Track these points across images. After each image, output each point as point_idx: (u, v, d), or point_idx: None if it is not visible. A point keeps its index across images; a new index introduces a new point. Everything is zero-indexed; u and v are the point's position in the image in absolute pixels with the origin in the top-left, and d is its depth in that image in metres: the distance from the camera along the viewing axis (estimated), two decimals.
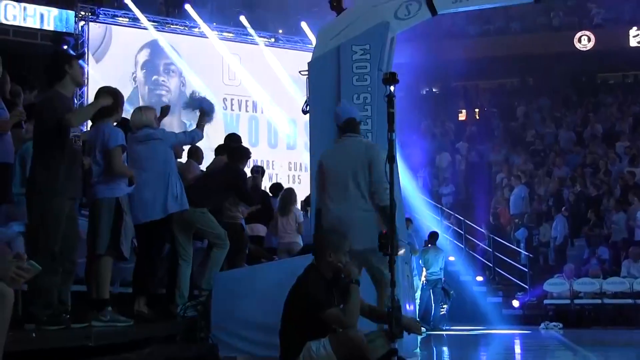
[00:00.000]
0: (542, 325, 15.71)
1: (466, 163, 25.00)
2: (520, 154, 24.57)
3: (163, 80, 17.68)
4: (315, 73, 8.86)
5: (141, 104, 15.77)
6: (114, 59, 17.34)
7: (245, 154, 9.29)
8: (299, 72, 9.26)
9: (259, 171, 9.83)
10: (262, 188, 12.42)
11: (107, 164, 7.05)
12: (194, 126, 8.48)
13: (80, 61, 15.54)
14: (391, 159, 6.32)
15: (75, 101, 10.01)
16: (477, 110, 29.66)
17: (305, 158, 9.48)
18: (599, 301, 16.93)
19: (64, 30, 17.63)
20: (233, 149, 9.36)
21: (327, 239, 6.28)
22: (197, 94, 8.73)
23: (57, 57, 7.02)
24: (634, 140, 23.72)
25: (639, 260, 17.31)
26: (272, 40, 19.38)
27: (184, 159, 9.82)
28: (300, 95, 9.37)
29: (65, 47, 16.87)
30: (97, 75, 16.62)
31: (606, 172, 21.83)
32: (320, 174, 7.04)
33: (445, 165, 24.77)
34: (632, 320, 16.62)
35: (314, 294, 6.04)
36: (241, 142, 9.99)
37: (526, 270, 18.49)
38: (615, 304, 16.93)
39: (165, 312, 8.25)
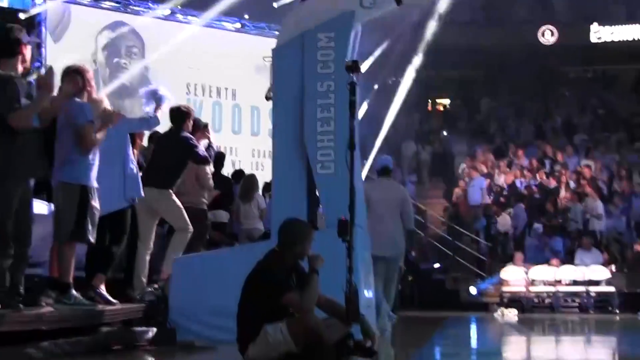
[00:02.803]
0: (498, 311, 15.83)
1: (430, 153, 25.08)
2: (482, 146, 24.72)
3: (125, 63, 17.40)
4: (279, 60, 8.78)
5: (102, 87, 15.53)
6: (74, 39, 16.85)
7: (185, 113, 8.96)
8: (263, 58, 9.20)
9: (206, 125, 9.53)
10: (225, 174, 12.35)
11: (79, 142, 6.87)
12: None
13: (37, 40, 15.21)
14: (352, 146, 6.30)
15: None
16: (441, 100, 29.80)
17: (268, 145, 9.43)
18: (553, 289, 17.13)
19: (20, 7, 17.03)
20: (171, 114, 8.97)
21: (299, 229, 6.26)
22: (152, 89, 8.60)
23: (9, 35, 6.40)
24: (591, 134, 23.98)
25: (592, 249, 17.54)
26: (238, 25, 19.19)
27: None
28: (264, 82, 9.28)
29: (19, 25, 16.28)
30: (56, 55, 16.19)
31: (564, 165, 22.03)
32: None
33: (410, 154, 24.83)
34: (583, 306, 16.90)
35: (274, 278, 6.01)
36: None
37: (484, 258, 18.63)
38: (569, 291, 17.17)
39: (123, 296, 8.16)
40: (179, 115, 8.90)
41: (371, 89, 23.45)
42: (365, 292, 8.38)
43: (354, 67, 6.35)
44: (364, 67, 23.04)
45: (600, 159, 21.83)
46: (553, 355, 8.02)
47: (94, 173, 7.00)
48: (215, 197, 10.48)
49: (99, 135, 7.03)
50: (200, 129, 9.32)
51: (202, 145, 9.18)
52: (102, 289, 7.60)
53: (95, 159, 7.03)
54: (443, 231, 20.67)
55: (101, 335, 7.05)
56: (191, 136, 8.97)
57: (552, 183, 20.82)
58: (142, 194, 8.00)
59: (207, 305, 8.01)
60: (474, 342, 10.02)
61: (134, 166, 7.90)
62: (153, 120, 8.27)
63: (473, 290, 18.17)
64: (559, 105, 26.55)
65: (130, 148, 7.98)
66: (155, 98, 8.36)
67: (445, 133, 26.24)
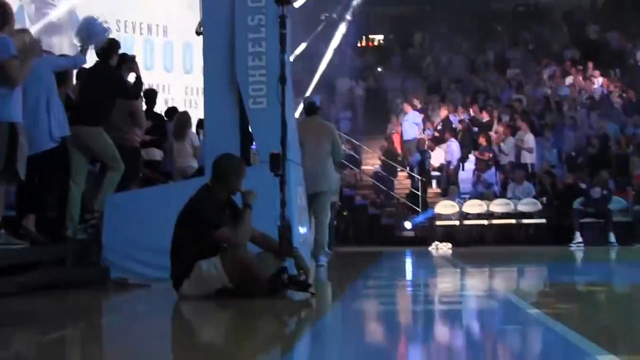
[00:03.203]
0: (432, 245, 16.08)
1: (364, 89, 25.10)
2: (416, 81, 24.82)
3: None
4: None
5: (27, 23, 15.10)
6: None
7: (110, 45, 8.66)
8: None
9: (133, 59, 9.31)
10: (158, 112, 12.18)
11: (3, 77, 6.69)
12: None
13: None
14: (282, 80, 6.29)
15: None
16: (375, 37, 29.74)
17: (201, 82, 9.32)
18: (485, 222, 17.46)
19: None
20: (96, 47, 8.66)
21: (233, 164, 6.24)
22: (89, 22, 8.38)
23: None
24: (523, 68, 24.22)
25: (524, 183, 17.87)
26: None
27: None
28: (196, 18, 9.12)
29: None
30: None
31: (497, 99, 22.27)
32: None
33: (344, 90, 24.81)
34: (515, 239, 17.27)
35: (206, 213, 6.01)
36: None
37: (418, 193, 18.84)
38: (501, 224, 17.52)
39: (55, 235, 8.06)
40: (105, 48, 8.70)
41: (308, 27, 23.33)
42: (300, 227, 8.43)
43: (283, 0, 6.28)
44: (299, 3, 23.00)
45: (531, 93, 22.10)
46: (484, 285, 8.20)
47: (19, 109, 6.85)
48: (148, 131, 10.34)
49: (23, 70, 6.86)
50: (127, 62, 9.11)
51: (130, 79, 9.01)
52: (33, 228, 7.49)
53: (20, 95, 6.87)
54: (378, 167, 20.81)
55: (33, 275, 6.97)
56: (118, 70, 8.81)
57: (485, 117, 21.06)
58: (69, 132, 7.85)
59: (141, 242, 7.99)
60: (407, 275, 10.18)
61: (60, 105, 7.73)
62: (79, 59, 8.08)
63: (408, 225, 18.42)
64: (492, 39, 26.71)
65: (56, 87, 7.80)
66: (89, 33, 8.15)
67: (379, 69, 26.26)
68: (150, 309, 6.30)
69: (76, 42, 8.42)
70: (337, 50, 26.90)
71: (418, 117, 21.37)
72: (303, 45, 23.44)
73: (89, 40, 8.16)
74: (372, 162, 21.15)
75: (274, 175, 6.13)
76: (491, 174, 18.95)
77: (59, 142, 7.74)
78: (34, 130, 7.39)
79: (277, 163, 6.09)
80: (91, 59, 8.63)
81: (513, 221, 17.30)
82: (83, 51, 8.06)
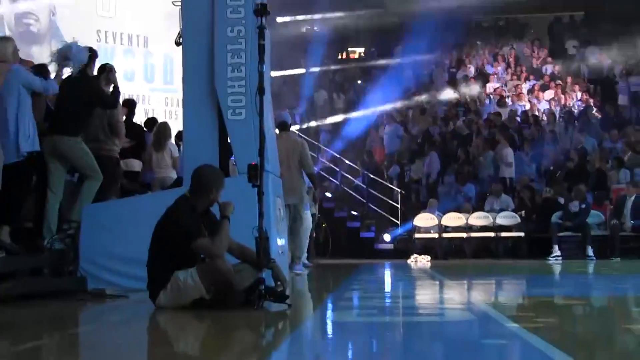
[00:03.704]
0: (411, 258, 16.10)
1: (345, 101, 25.15)
2: (396, 93, 24.88)
3: (31, 9, 16.88)
4: (188, 4, 8.64)
5: (7, 33, 15.04)
6: None
7: (88, 55, 8.67)
8: (172, 3, 9.01)
9: (111, 69, 9.26)
10: (138, 122, 12.16)
11: None
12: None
13: None
14: (261, 91, 6.28)
15: None
16: (355, 49, 29.81)
17: (181, 93, 9.30)
18: (464, 235, 17.50)
19: None
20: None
21: (211, 175, 6.25)
22: (65, 48, 8.39)
23: None
24: (503, 82, 24.35)
25: (501, 196, 17.93)
26: None
27: None
28: (176, 29, 9.13)
29: None
30: None
31: (476, 112, 22.37)
32: None
33: (322, 103, 24.85)
34: (493, 252, 17.33)
35: (184, 223, 6.01)
36: None
37: (398, 206, 18.86)
38: (479, 237, 17.58)
39: (32, 245, 8.02)
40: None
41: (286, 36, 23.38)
42: (278, 238, 8.43)
43: (262, 10, 6.30)
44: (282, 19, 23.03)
45: (511, 107, 22.22)
46: (463, 297, 8.21)
47: None
48: (127, 146, 10.33)
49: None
50: (105, 72, 9.08)
51: (108, 89, 8.99)
52: (7, 239, 7.45)
53: None
54: (358, 180, 20.83)
55: (9, 285, 6.92)
56: (96, 79, 8.79)
57: (465, 131, 21.15)
58: (38, 148, 7.80)
59: (118, 253, 7.97)
60: (385, 287, 10.19)
61: (29, 119, 7.67)
62: (51, 85, 8.00)
63: (387, 237, 18.43)
64: (471, 53, 26.85)
65: (28, 100, 7.73)
66: (74, 60, 8.16)
67: (359, 82, 26.33)
68: (126, 319, 6.27)
69: (51, 67, 8.42)
70: (317, 63, 26.99)
71: (400, 129, 21.44)
72: (285, 61, 23.50)
73: (73, 64, 8.17)
74: (352, 174, 21.16)
75: (252, 186, 6.13)
76: (470, 187, 19.01)
77: (26, 156, 7.68)
78: (1, 141, 7.38)
79: (255, 174, 6.09)
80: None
81: (492, 234, 17.35)
82: (57, 77, 8.02)
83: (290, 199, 10.73)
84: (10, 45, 7.82)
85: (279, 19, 23.80)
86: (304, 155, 11.29)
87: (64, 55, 8.39)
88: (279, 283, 6.17)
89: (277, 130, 11.19)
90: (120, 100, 9.74)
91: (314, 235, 15.54)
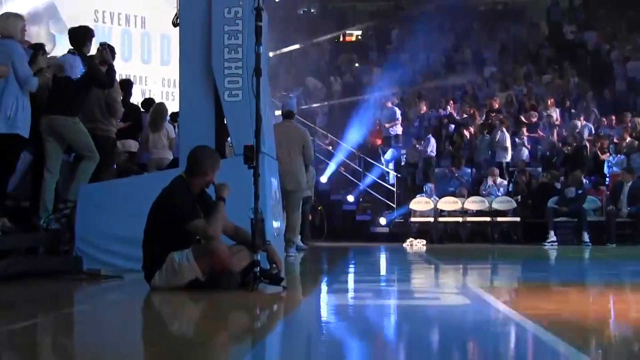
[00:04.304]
0: (407, 242, 16.10)
1: (341, 84, 25.12)
2: (394, 76, 24.83)
3: None
4: None
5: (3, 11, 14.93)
6: None
7: (84, 33, 8.65)
8: None
9: (104, 47, 9.16)
10: (134, 103, 12.12)
11: None
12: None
13: None
14: (257, 72, 6.26)
15: None
16: (353, 32, 29.76)
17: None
18: (460, 219, 17.50)
19: None
20: (70, 35, 8.71)
21: (207, 156, 6.24)
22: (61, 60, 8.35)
23: None
24: (500, 66, 24.30)
25: (497, 181, 17.93)
26: None
27: None
28: (174, 9, 9.08)
29: None
30: None
31: (473, 97, 22.33)
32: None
33: (321, 85, 24.81)
34: (489, 236, 17.34)
35: (180, 204, 5.99)
36: None
37: (394, 189, 18.86)
38: (475, 221, 17.59)
39: (28, 224, 8.01)
40: (79, 35, 8.64)
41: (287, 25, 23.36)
42: (273, 221, 8.43)
43: None
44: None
45: (508, 91, 22.17)
46: (457, 281, 8.23)
47: None
48: (125, 127, 10.32)
49: None
50: (99, 51, 9.02)
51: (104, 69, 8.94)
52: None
53: None
54: (354, 163, 20.81)
55: (4, 264, 6.91)
56: (91, 58, 8.74)
57: (462, 115, 21.11)
58: (19, 131, 7.71)
59: (114, 233, 7.97)
60: (380, 271, 10.20)
61: (13, 101, 7.61)
62: (33, 82, 7.86)
63: (383, 221, 18.44)
64: (469, 37, 26.78)
65: (15, 83, 7.67)
66: (60, 68, 8.16)
67: (357, 64, 26.28)
68: (121, 299, 6.28)
69: (55, 30, 8.36)
70: (315, 45, 26.97)
71: (397, 113, 21.38)
72: (281, 42, 23.48)
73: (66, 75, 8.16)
74: (349, 158, 21.12)
75: (248, 167, 6.11)
76: (466, 172, 19.01)
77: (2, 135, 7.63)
78: None
79: (251, 155, 6.07)
80: (65, 47, 8.57)
81: (487, 219, 17.35)
82: (34, 78, 7.87)
83: (290, 185, 10.90)
84: (20, 22, 7.79)
85: None
86: (307, 146, 11.40)
87: (59, 67, 8.36)
88: (274, 265, 6.17)
89: (281, 118, 11.53)
90: (117, 80, 9.69)
91: (310, 217, 15.57)
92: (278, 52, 23.96)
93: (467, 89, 22.95)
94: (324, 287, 7.29)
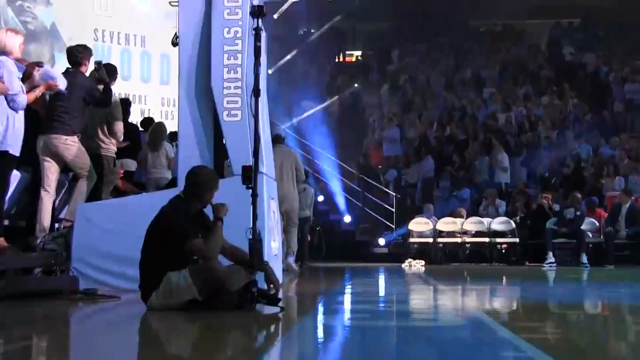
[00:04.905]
0: (406, 262, 16.05)
1: (340, 104, 25.17)
2: (394, 97, 24.90)
3: (28, 7, 16.84)
4: (185, 5, 8.63)
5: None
6: None
7: (82, 53, 8.66)
8: (170, 3, 9.00)
9: (100, 65, 9.14)
10: (133, 122, 12.14)
11: None
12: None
13: None
14: (257, 93, 6.26)
15: None
16: (353, 52, 29.88)
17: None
18: (459, 240, 17.48)
19: None
20: (68, 53, 8.76)
21: (206, 176, 6.23)
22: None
23: None
24: (499, 87, 24.35)
25: (497, 201, 17.91)
26: None
27: None
28: (173, 29, 9.12)
29: None
30: None
31: (472, 117, 22.36)
32: None
33: (320, 105, 24.85)
34: (488, 257, 17.32)
35: (178, 224, 5.97)
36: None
37: (393, 210, 18.84)
38: (474, 242, 17.56)
39: (24, 244, 7.98)
40: (77, 54, 8.65)
41: (285, 41, 23.39)
42: (272, 241, 8.41)
43: (258, 12, 6.30)
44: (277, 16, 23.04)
45: (507, 112, 22.19)
46: (456, 303, 8.19)
47: None
48: (123, 146, 10.31)
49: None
50: (95, 70, 9.02)
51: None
52: None
53: None
54: (353, 183, 20.82)
55: (1, 284, 6.88)
56: (88, 77, 8.75)
57: (461, 135, 21.13)
58: (9, 149, 7.66)
59: (111, 253, 7.94)
60: (378, 291, 10.17)
61: (6, 119, 7.58)
62: (18, 102, 7.79)
63: (382, 241, 18.42)
64: (468, 58, 26.86)
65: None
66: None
67: (356, 85, 26.36)
68: (117, 320, 6.24)
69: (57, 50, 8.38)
70: (314, 65, 27.03)
71: (396, 134, 21.43)
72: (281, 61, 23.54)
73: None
74: (348, 177, 21.13)
75: (246, 188, 6.10)
76: (466, 192, 19.00)
77: None
78: None
79: (250, 176, 6.07)
80: (64, 66, 8.59)
81: (486, 240, 17.33)
82: (22, 97, 7.82)
83: (283, 206, 11.33)
84: (17, 38, 7.76)
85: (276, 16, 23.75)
86: (298, 166, 12.30)
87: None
88: (271, 286, 6.15)
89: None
90: (117, 99, 9.69)
91: (309, 237, 15.56)
92: (275, 69, 23.99)
93: (467, 109, 22.98)
94: (321, 307, 7.26)
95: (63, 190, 8.83)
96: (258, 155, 6.20)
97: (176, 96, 9.65)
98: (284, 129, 18.17)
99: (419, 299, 8.90)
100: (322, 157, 21.83)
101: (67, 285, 7.60)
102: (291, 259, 12.37)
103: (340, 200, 20.23)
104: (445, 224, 17.70)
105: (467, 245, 17.65)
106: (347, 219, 19.69)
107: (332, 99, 25.33)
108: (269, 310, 6.00)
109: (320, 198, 19.58)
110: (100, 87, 8.82)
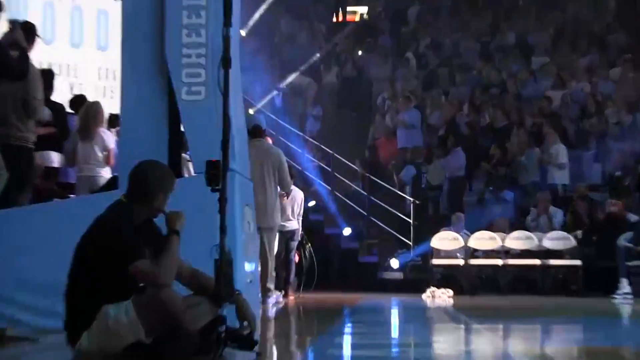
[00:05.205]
0: (427, 292, 16.06)
1: (340, 78, 25.18)
2: (410, 68, 24.90)
3: None
4: None
5: None
6: None
7: None
8: None
9: (14, 25, 9.10)
10: (58, 102, 12.11)
11: None
12: None
13: None
14: (226, 63, 6.21)
15: None
16: (356, 9, 29.94)
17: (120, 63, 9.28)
18: (499, 262, 17.45)
19: None
20: None
21: (157, 175, 6.20)
22: None
23: None
24: (554, 56, 24.31)
25: (550, 209, 17.88)
26: None
27: None
28: None
29: None
30: None
31: (517, 96, 22.35)
32: None
33: (313, 80, 24.88)
34: (537, 285, 17.31)
35: (118, 239, 5.92)
36: None
37: (410, 221, 18.82)
38: (520, 265, 17.55)
39: None
40: None
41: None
42: (246, 262, 8.40)
43: None
44: None
45: (563, 89, 22.18)
46: (496, 349, 8.21)
47: None
48: (46, 134, 10.33)
49: None
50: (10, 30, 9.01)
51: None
52: None
53: None
54: (356, 184, 20.81)
55: None
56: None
57: (502, 120, 21.11)
58: None
59: (26, 279, 7.96)
60: (390, 332, 10.19)
61: None
62: None
63: (395, 263, 18.41)
64: (512, 17, 26.88)
65: None
66: None
67: (360, 52, 26.37)
68: None
69: None
70: (304, 26, 27.04)
71: (416, 118, 21.34)
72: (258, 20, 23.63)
73: None
74: (348, 177, 21.12)
75: (212, 190, 6.07)
76: (508, 197, 18.99)
77: None
78: None
79: (217, 174, 6.03)
80: None
81: (537, 262, 17.30)
82: None
83: (262, 221, 11.34)
84: None
85: None
86: (282, 168, 12.22)
87: None
88: (245, 323, 6.14)
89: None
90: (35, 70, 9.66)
91: (296, 259, 15.54)
92: (251, 31, 24.07)
93: (509, 85, 22.98)
94: (313, 354, 7.25)
95: None
96: (228, 147, 6.16)
97: (117, 67, 9.64)
98: (263, 114, 18.05)
99: (446, 342, 8.91)
100: (314, 150, 21.83)
101: None
102: (271, 287, 12.34)
103: (339, 208, 20.24)
104: (481, 240, 17.71)
105: (511, 270, 17.62)
106: (347, 232, 19.67)
107: (328, 71, 25.32)
108: (241, 357, 5.97)
109: (312, 204, 19.58)
110: (15, 53, 8.79)
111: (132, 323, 5.87)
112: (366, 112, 24.09)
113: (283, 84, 23.99)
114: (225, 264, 6.00)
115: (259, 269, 10.57)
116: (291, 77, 24.69)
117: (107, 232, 6.00)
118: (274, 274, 12.70)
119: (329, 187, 20.75)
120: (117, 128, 10.40)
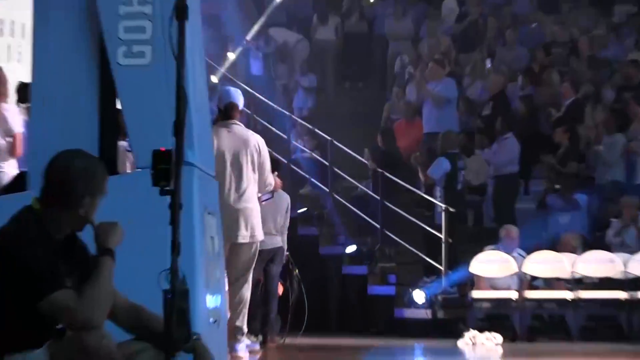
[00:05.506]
0: (466, 337, 16.09)
1: (343, 35, 25.26)
2: (442, 21, 24.97)
3: None
4: None
5: None
6: None
7: None
8: None
9: None
10: None
11: None
12: None
13: None
14: (180, 12, 6.24)
15: None
16: None
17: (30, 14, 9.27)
18: (568, 295, 17.48)
19: None
20: None
21: (86, 171, 6.20)
22: None
23: None
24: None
25: (639, 219, 17.89)
26: None
27: None
28: None
29: None
30: None
31: (592, 60, 22.40)
32: None
33: (305, 38, 24.97)
34: (623, 328, 17.37)
35: (28, 261, 5.96)
36: None
37: (441, 236, 18.86)
38: (597, 299, 17.57)
39: None
40: None
41: None
42: (209, 295, 8.43)
43: None
44: None
45: None
46: None
47: None
48: None
49: None
50: None
51: None
52: None
53: None
54: (364, 183, 20.86)
55: None
56: None
57: (570, 94, 21.16)
58: None
59: None
60: None
61: None
62: None
63: (419, 296, 18.42)
64: None
65: None
66: None
67: (371, 0, 26.48)
68: None
69: None
70: None
71: (449, 91, 21.31)
72: None
73: None
74: (353, 173, 21.17)
75: (160, 192, 6.10)
76: (580, 201, 19.03)
77: None
78: None
79: (167, 169, 6.05)
80: None
81: (622, 294, 17.33)
82: None
83: (235, 235, 11.50)
84: None
85: None
86: (262, 164, 12.14)
87: None
88: None
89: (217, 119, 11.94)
90: None
91: (280, 290, 15.53)
92: None
93: (580, 45, 23.04)
94: None
95: None
96: (183, 131, 6.18)
97: (28, 19, 9.68)
98: (235, 84, 18.05)
99: None
100: (306, 135, 21.88)
101: None
102: (243, 328, 12.09)
103: (340, 217, 20.31)
104: (542, 264, 17.72)
105: (584, 306, 17.63)
106: (352, 250, 19.70)
107: (328, 25, 25.39)
108: None
109: (302, 211, 19.64)
110: None
111: None
112: (378, 82, 24.15)
113: (262, 42, 24.04)
114: (179, 297, 6.03)
115: (227, 303, 10.58)
116: (274, 32, 24.78)
117: (10, 252, 6.03)
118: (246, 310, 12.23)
119: (326, 188, 20.78)
120: (28, 104, 10.44)
